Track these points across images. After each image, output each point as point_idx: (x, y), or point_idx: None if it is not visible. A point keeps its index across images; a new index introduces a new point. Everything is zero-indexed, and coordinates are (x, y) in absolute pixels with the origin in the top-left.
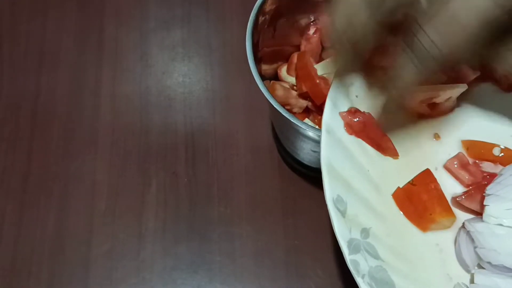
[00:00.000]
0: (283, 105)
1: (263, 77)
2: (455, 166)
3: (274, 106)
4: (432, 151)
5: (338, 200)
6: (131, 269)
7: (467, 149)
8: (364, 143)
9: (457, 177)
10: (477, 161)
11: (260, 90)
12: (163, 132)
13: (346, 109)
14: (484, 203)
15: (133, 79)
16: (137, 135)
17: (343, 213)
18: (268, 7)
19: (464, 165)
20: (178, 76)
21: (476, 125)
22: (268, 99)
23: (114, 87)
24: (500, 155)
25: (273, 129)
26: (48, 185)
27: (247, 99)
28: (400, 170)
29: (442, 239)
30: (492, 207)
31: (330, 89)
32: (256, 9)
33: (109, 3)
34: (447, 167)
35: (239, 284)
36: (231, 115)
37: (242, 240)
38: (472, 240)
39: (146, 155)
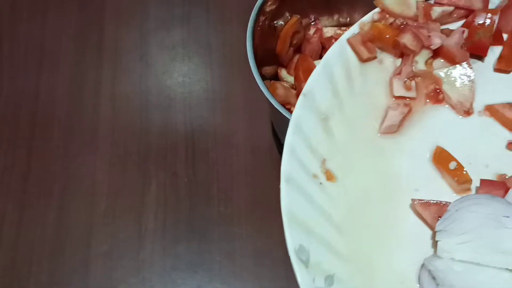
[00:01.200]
0: (284, 104)
1: (263, 77)
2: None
3: (275, 105)
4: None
5: (300, 250)
6: (131, 269)
7: (435, 154)
8: (325, 184)
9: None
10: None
11: (260, 90)
12: (163, 132)
13: (305, 155)
14: (436, 239)
15: (133, 79)
16: (137, 135)
17: (306, 263)
18: (269, 7)
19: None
20: (178, 76)
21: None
22: (269, 98)
23: (114, 87)
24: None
25: (273, 129)
26: (48, 185)
27: (247, 99)
28: (363, 205)
29: (406, 277)
30: (443, 242)
31: (287, 137)
32: (257, 9)
33: (109, 3)
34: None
35: (239, 284)
36: (231, 115)
37: (242, 240)
38: (434, 278)
39: (146, 155)
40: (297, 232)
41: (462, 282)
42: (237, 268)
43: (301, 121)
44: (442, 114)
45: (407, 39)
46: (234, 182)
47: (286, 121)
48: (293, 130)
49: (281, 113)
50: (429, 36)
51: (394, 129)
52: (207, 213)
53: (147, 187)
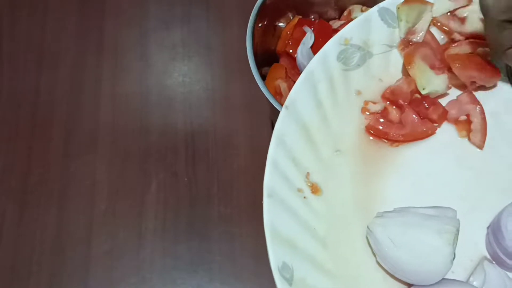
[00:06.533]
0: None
1: (263, 77)
2: None
3: (275, 105)
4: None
5: (284, 268)
6: (131, 269)
7: None
8: (309, 197)
9: None
10: None
11: (260, 90)
12: (163, 132)
13: (288, 169)
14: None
15: (133, 78)
16: (137, 135)
17: (289, 281)
18: (268, 7)
19: None
20: (178, 76)
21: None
22: (269, 98)
23: (114, 87)
24: None
25: (273, 129)
26: (48, 185)
27: (247, 99)
28: (347, 219)
29: None
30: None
31: (269, 150)
32: (256, 9)
33: (109, 2)
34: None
35: (239, 283)
36: (231, 115)
37: (242, 239)
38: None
39: (146, 155)
40: (280, 249)
41: None
42: (237, 268)
43: (283, 134)
44: None
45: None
46: (234, 182)
47: None
48: (275, 143)
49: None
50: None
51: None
52: (207, 213)
53: (147, 187)
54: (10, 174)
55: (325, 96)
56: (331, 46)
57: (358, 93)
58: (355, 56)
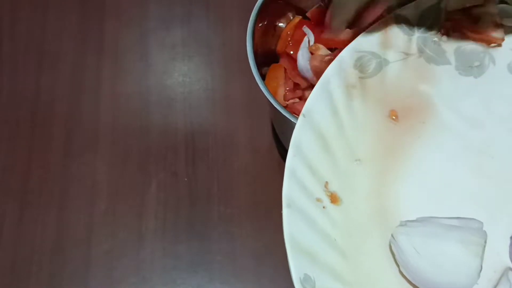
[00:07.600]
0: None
1: (263, 77)
2: None
3: (275, 105)
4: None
5: (306, 279)
6: (131, 269)
7: None
8: (328, 207)
9: None
10: None
11: (260, 90)
12: (163, 132)
13: (306, 179)
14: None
15: (133, 78)
16: (137, 135)
17: None
18: (268, 7)
19: None
20: (178, 76)
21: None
22: (269, 98)
23: (114, 87)
24: None
25: (273, 129)
26: (48, 185)
27: (247, 99)
28: (367, 229)
29: None
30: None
31: (287, 159)
32: (257, 9)
33: (109, 2)
34: None
35: (239, 284)
36: (231, 115)
37: (242, 239)
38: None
39: (146, 155)
40: (301, 260)
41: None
42: (237, 268)
43: (301, 143)
44: None
45: None
46: (234, 182)
47: (286, 121)
48: (293, 153)
49: (281, 113)
50: None
51: None
52: (207, 212)
53: (147, 187)
54: (10, 174)
55: (342, 104)
56: (347, 53)
57: (375, 100)
58: (371, 63)
